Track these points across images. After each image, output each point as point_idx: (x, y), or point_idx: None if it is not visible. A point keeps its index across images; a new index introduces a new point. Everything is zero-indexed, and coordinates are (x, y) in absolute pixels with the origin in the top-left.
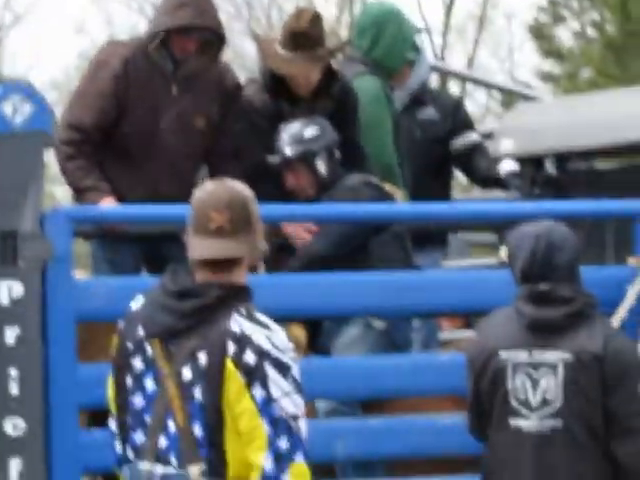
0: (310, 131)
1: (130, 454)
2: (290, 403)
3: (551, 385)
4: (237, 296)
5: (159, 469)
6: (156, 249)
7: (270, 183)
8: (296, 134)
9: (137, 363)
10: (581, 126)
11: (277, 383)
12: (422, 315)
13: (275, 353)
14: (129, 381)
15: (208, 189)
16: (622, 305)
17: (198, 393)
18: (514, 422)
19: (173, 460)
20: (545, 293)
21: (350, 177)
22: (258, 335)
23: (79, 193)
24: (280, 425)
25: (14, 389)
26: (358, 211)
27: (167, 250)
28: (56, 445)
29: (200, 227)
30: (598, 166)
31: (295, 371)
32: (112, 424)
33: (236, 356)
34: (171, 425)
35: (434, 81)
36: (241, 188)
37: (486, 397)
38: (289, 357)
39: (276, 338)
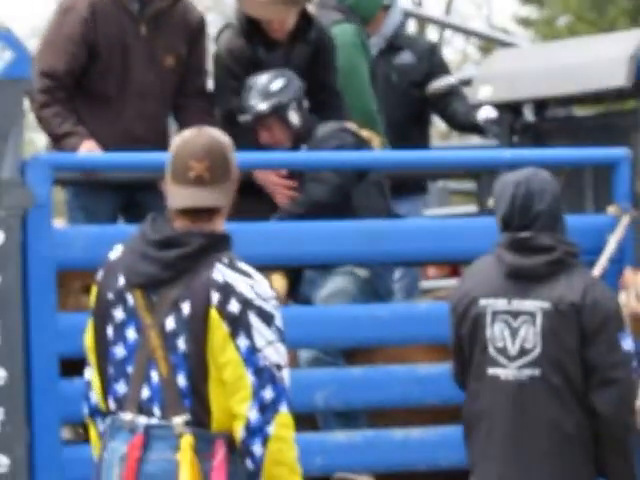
0: (277, 84)
1: (112, 405)
2: (274, 352)
3: (529, 334)
4: (219, 245)
5: (142, 420)
6: (133, 197)
7: (244, 129)
8: (263, 89)
9: (118, 313)
10: (559, 72)
11: (261, 332)
12: (403, 263)
13: (258, 302)
14: (110, 331)
15: (187, 137)
16: (603, 254)
17: (182, 343)
18: (492, 371)
19: (156, 411)
20: (524, 241)
21: (325, 125)
22: (241, 284)
23: (58, 140)
24: (264, 375)
25: None
26: (339, 159)
27: (143, 198)
28: (36, 394)
29: (179, 176)
30: (576, 113)
31: (278, 320)
32: (87, 374)
33: (220, 305)
34: (154, 375)
35: (412, 27)
36: (220, 136)
37: (466, 345)
38: (272, 305)
39: (259, 287)
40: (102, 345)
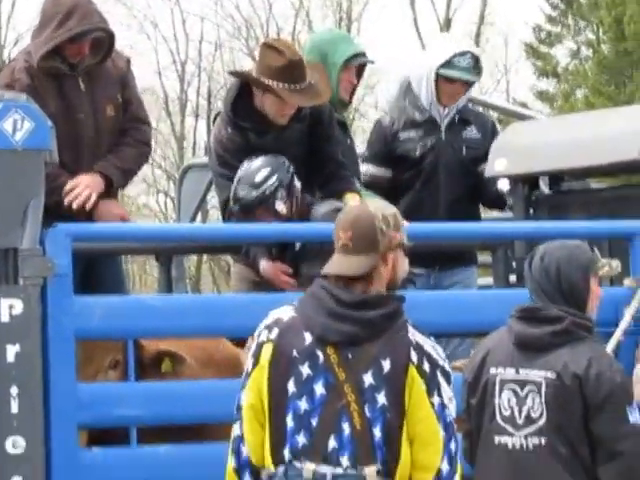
0: (262, 174)
1: (287, 455)
2: (453, 409)
3: (535, 403)
4: (403, 307)
5: (326, 469)
6: (91, 266)
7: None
8: (249, 180)
9: (304, 369)
10: (575, 145)
11: (446, 390)
12: None
13: (442, 362)
14: (291, 387)
15: (345, 209)
16: (619, 327)
17: (381, 397)
18: (499, 439)
19: (344, 461)
20: (533, 311)
21: (320, 205)
22: (428, 345)
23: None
24: (449, 429)
25: (14, 407)
26: None
27: (102, 267)
28: (56, 464)
29: (335, 244)
30: (593, 186)
31: (452, 378)
32: (238, 430)
33: (418, 364)
34: (345, 427)
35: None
36: (374, 207)
37: (474, 414)
38: (448, 365)
39: (438, 349)
40: (280, 400)
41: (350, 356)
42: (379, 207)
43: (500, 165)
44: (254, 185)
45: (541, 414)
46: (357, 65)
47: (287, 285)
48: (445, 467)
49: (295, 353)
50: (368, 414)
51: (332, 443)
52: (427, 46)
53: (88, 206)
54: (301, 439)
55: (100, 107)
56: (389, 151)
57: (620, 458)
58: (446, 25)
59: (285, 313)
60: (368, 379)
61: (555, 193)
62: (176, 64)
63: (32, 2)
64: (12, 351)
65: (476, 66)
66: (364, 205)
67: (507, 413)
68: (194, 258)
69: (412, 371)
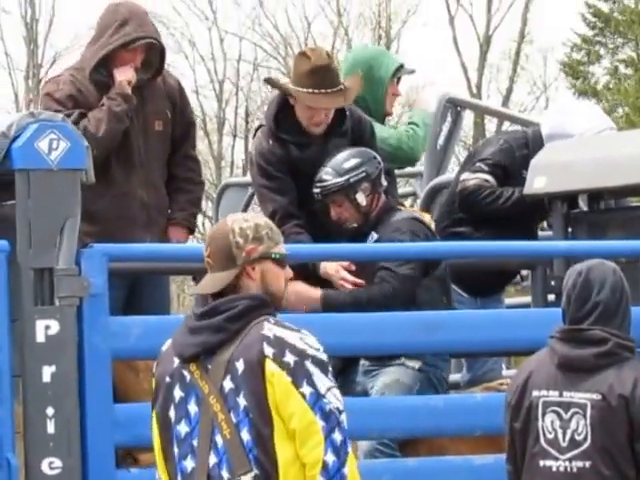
0: (350, 162)
1: None
2: (334, 397)
3: (580, 426)
4: (263, 306)
5: None
6: (134, 286)
7: (298, 219)
8: (337, 165)
9: (176, 392)
10: (615, 164)
11: (321, 379)
12: (459, 354)
13: (312, 351)
14: (172, 414)
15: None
16: None
17: (241, 399)
18: (543, 462)
19: (225, 474)
20: (576, 333)
21: (397, 214)
22: (291, 337)
23: None
24: (331, 418)
25: (50, 428)
26: (412, 250)
27: (144, 287)
28: None
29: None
30: (631, 203)
31: (330, 367)
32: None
33: (276, 357)
34: (219, 440)
35: (470, 118)
36: (231, 222)
37: (518, 437)
38: (323, 354)
39: (308, 339)
40: (166, 430)
41: (210, 366)
42: (237, 220)
43: (539, 183)
44: (340, 171)
45: (585, 437)
46: (398, 77)
47: (345, 282)
48: (330, 459)
49: (168, 379)
50: (234, 420)
51: (212, 459)
52: (573, 108)
53: None
54: (189, 463)
55: (149, 122)
56: (507, 177)
57: None
58: (486, 43)
59: (165, 345)
60: (228, 384)
61: (594, 211)
62: (214, 83)
63: (69, 21)
64: (48, 372)
65: None
66: (223, 221)
67: (551, 436)
68: None
69: (269, 365)
